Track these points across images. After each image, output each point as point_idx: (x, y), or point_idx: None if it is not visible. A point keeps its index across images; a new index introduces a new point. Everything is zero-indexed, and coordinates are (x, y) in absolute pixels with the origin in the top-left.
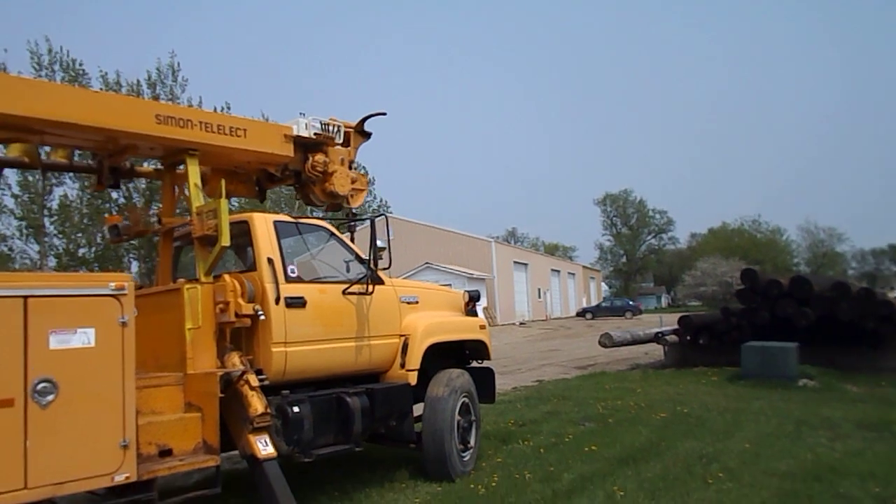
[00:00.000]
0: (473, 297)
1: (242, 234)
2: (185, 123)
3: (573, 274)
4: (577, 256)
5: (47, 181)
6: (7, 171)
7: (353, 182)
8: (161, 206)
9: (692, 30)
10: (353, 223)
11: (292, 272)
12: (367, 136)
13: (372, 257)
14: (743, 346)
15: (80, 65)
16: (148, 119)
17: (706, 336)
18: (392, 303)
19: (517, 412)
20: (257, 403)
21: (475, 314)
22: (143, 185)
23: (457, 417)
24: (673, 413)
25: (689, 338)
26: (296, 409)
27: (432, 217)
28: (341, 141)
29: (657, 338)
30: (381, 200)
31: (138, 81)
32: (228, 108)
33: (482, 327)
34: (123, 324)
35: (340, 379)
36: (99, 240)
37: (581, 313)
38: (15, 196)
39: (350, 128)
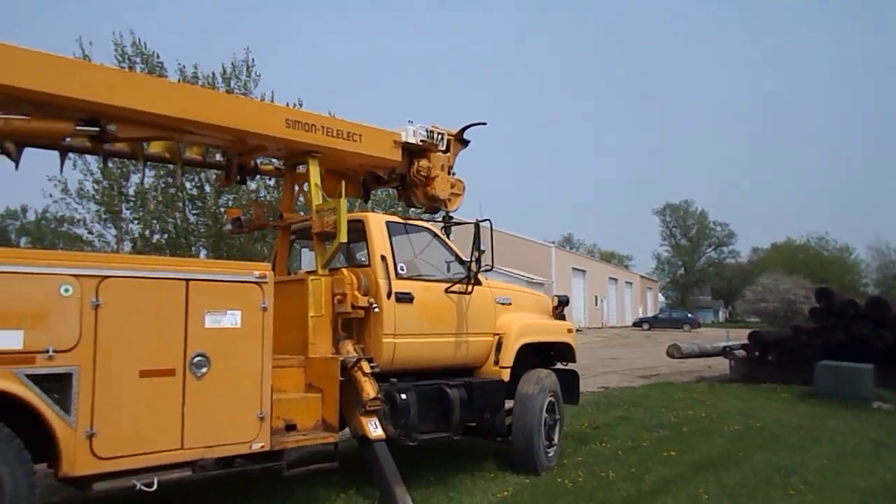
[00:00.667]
0: (563, 302)
1: (356, 231)
2: (310, 128)
3: (630, 283)
4: (634, 265)
5: (125, 168)
6: (90, 158)
7: (452, 187)
8: (280, 201)
9: (760, 36)
10: (451, 225)
11: (402, 269)
12: (466, 143)
13: (474, 259)
14: (817, 365)
15: (158, 57)
16: (279, 123)
17: (776, 353)
18: (488, 303)
19: (590, 415)
20: (370, 388)
21: (563, 318)
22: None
23: (544, 415)
24: (745, 426)
25: (757, 353)
26: (403, 396)
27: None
28: (444, 148)
29: (725, 352)
30: None
31: (213, 74)
32: (300, 104)
33: (570, 331)
34: (264, 308)
35: (439, 371)
36: (171, 227)
37: (638, 323)
38: (97, 182)
39: (451, 135)
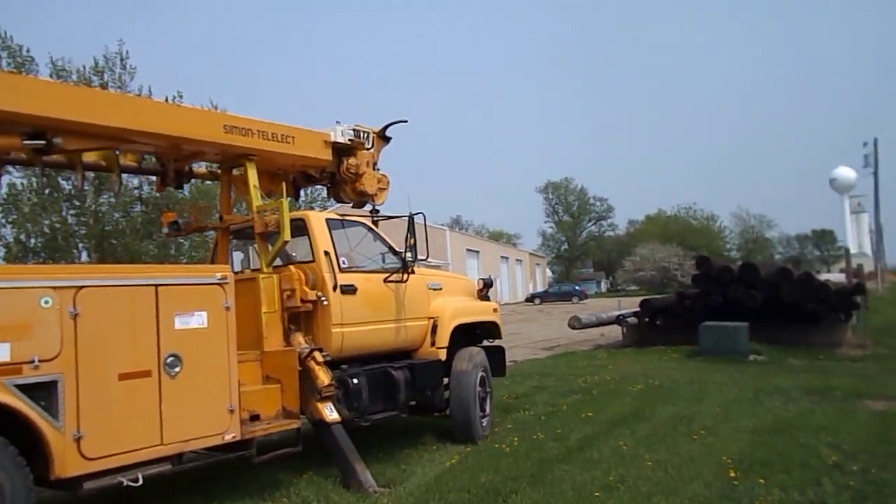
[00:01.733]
0: (487, 284)
1: (297, 229)
2: (246, 132)
3: (520, 261)
4: (522, 243)
5: None
6: None
7: (378, 182)
8: (218, 203)
9: (627, 7)
10: (382, 219)
11: (344, 263)
12: (388, 140)
13: (408, 249)
14: (701, 326)
15: (28, 51)
16: (218, 129)
17: (663, 318)
18: (422, 289)
19: (507, 388)
20: (324, 376)
21: (488, 299)
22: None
23: (477, 388)
24: (646, 385)
25: (647, 319)
26: (355, 380)
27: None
28: (369, 145)
29: (619, 320)
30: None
31: (85, 67)
32: (181, 96)
33: (495, 310)
34: (227, 308)
35: (382, 355)
36: (46, 229)
37: (530, 299)
38: None
39: (374, 133)
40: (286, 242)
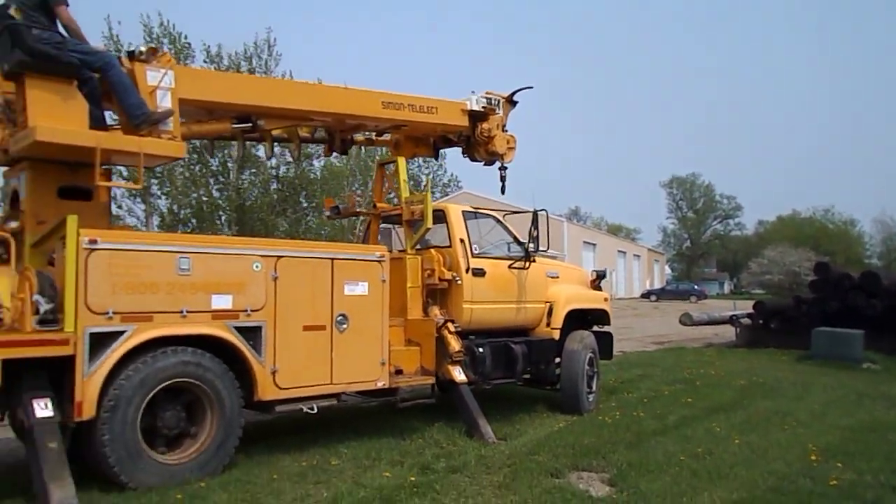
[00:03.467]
0: (600, 276)
1: (437, 218)
2: (399, 106)
3: (638, 256)
4: (641, 238)
5: None
6: None
7: (507, 142)
8: (373, 191)
9: (764, 13)
10: (510, 213)
11: (475, 249)
12: (515, 104)
13: (531, 241)
14: (814, 331)
15: (186, 38)
16: (378, 105)
17: (778, 321)
18: (541, 276)
19: (615, 374)
20: (455, 343)
21: (600, 289)
22: (236, 153)
23: (586, 367)
24: (750, 381)
25: (761, 321)
26: (480, 349)
27: (494, 192)
28: (500, 111)
29: (731, 320)
30: (451, 175)
31: (236, 53)
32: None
33: (606, 300)
34: (383, 281)
35: (503, 331)
36: (194, 202)
37: (646, 295)
38: None
39: (503, 98)
40: (429, 229)
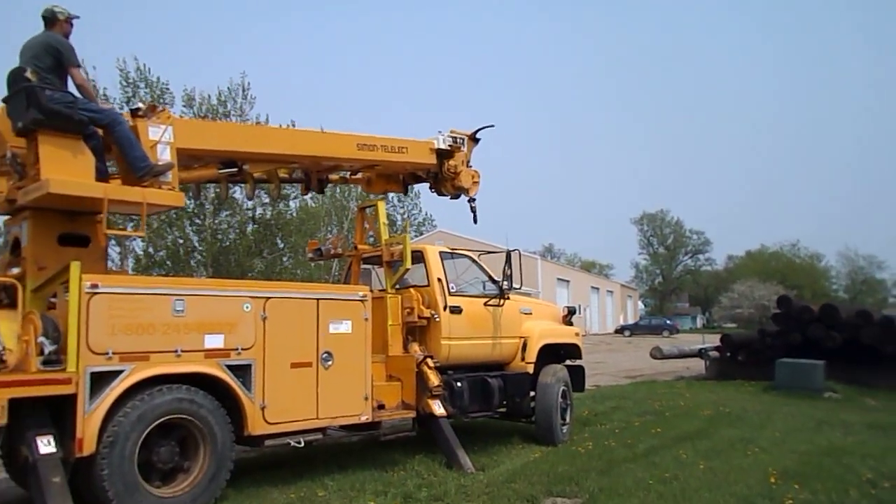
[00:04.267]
0: (571, 311)
1: (415, 259)
2: (372, 147)
3: (611, 292)
4: (614, 274)
5: None
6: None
7: (472, 177)
8: (354, 234)
9: (734, 40)
10: (484, 253)
11: (452, 288)
12: (477, 141)
13: (504, 279)
14: (777, 362)
15: (166, 83)
16: (353, 147)
17: (744, 353)
18: (515, 313)
19: (588, 406)
20: (434, 378)
21: (571, 324)
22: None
23: (559, 399)
24: (717, 411)
25: (728, 354)
26: (458, 384)
27: (468, 230)
28: (464, 148)
29: (701, 353)
30: (426, 214)
31: (210, 96)
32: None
33: (577, 334)
34: (366, 319)
35: (480, 366)
36: (169, 243)
37: (619, 330)
38: None
39: (467, 136)
40: (408, 270)
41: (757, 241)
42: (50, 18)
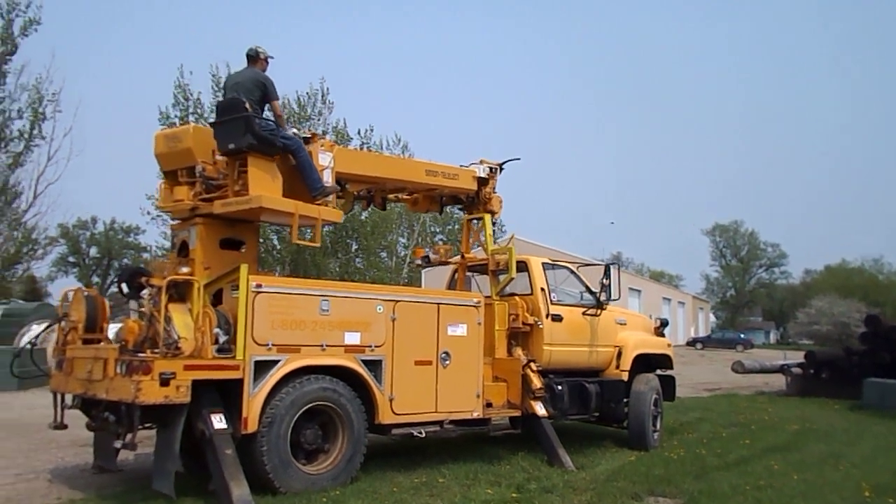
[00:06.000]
0: (664, 324)
1: (520, 269)
2: (435, 174)
3: (683, 303)
4: (684, 285)
5: None
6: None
7: (500, 202)
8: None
9: (816, 55)
10: (583, 265)
11: (554, 297)
12: (502, 170)
13: (602, 290)
14: (866, 381)
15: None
16: (422, 173)
17: (828, 371)
18: (611, 323)
19: (673, 416)
20: (537, 381)
21: (663, 335)
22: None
23: (651, 407)
24: (803, 427)
25: (812, 371)
26: (559, 387)
27: (534, 236)
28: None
29: (783, 369)
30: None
31: (289, 101)
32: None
33: (669, 346)
34: (479, 323)
35: (576, 372)
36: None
37: (691, 343)
38: None
39: (496, 165)
40: (513, 279)
41: (837, 256)
42: (254, 56)
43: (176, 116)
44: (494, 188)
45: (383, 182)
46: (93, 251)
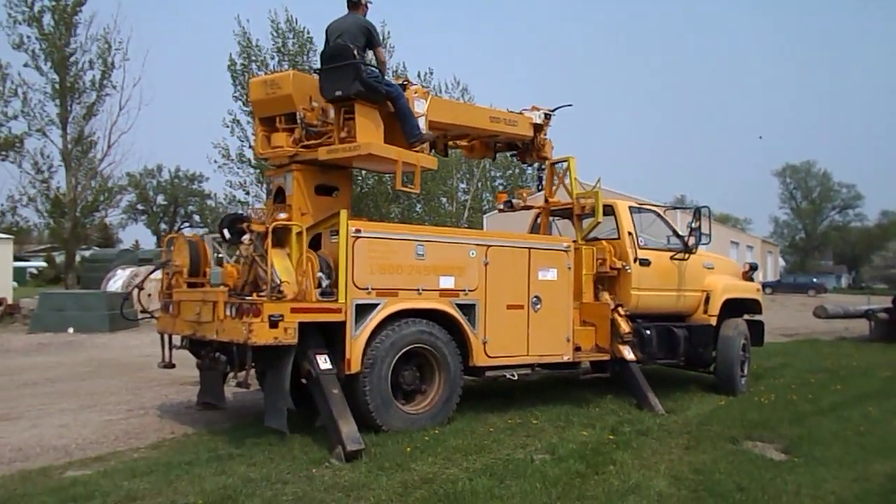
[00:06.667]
0: (753, 268)
1: (606, 213)
2: (497, 120)
3: (751, 247)
4: (752, 229)
5: None
6: (245, 126)
7: (552, 147)
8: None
9: None
10: (671, 209)
11: (641, 241)
12: (554, 116)
13: (691, 234)
14: None
15: (309, 33)
16: (487, 119)
17: None
18: (698, 267)
19: (756, 361)
20: (625, 325)
21: (752, 280)
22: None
23: (740, 352)
24: (894, 373)
25: None
26: (647, 332)
27: (613, 182)
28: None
29: (867, 314)
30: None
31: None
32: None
33: (758, 290)
34: (569, 268)
35: (664, 316)
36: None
37: (762, 287)
38: (252, 148)
39: (549, 111)
40: (599, 223)
41: None
42: (356, 2)
43: (241, 64)
44: (546, 134)
45: (454, 128)
46: (160, 199)
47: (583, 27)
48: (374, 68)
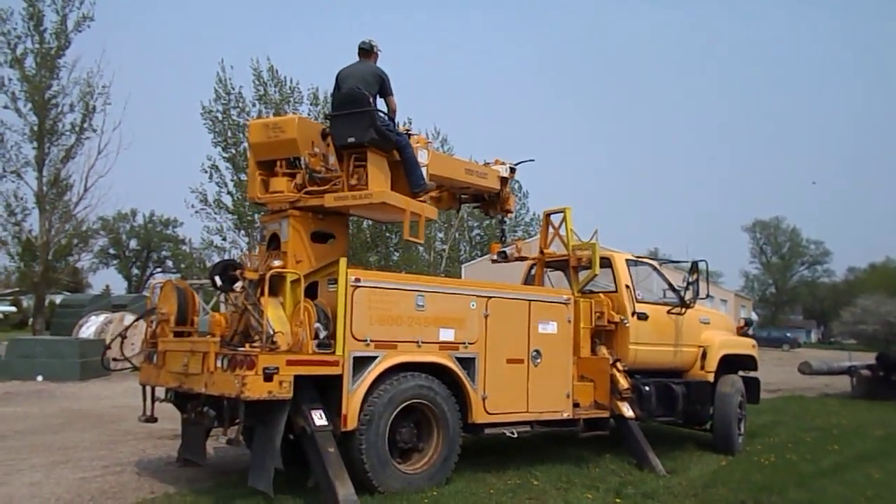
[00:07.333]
0: (748, 323)
1: (603, 265)
2: (472, 173)
3: (725, 301)
4: (723, 282)
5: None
6: (225, 172)
7: (514, 201)
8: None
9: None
10: (667, 263)
11: (638, 294)
12: (515, 171)
13: (687, 288)
14: None
15: (297, 83)
16: (462, 171)
17: None
18: (695, 322)
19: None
20: (624, 381)
21: (747, 335)
22: None
23: (736, 409)
24: (887, 432)
25: (881, 373)
26: (646, 388)
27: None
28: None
29: (850, 370)
30: (533, 214)
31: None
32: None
33: (753, 346)
34: (569, 321)
35: (660, 372)
36: None
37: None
38: (230, 194)
39: (512, 166)
40: (596, 275)
41: (882, 254)
42: (368, 50)
43: (218, 111)
44: (510, 187)
45: (441, 180)
46: (132, 243)
47: (549, 81)
48: (386, 116)
